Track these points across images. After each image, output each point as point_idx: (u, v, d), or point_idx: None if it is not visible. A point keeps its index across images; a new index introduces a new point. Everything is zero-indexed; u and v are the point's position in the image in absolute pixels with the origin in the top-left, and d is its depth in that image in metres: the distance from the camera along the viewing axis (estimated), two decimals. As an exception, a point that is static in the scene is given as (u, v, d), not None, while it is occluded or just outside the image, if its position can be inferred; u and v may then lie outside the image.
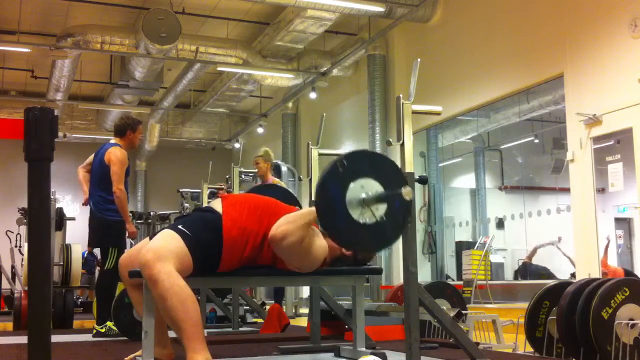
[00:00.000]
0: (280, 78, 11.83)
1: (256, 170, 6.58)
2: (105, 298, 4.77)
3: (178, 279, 2.48)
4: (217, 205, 2.85)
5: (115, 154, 4.81)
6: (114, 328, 4.65)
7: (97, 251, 7.86)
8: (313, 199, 2.64)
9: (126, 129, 5.00)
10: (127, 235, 5.00)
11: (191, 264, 2.60)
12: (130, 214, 9.85)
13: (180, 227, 2.66)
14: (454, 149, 11.87)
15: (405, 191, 2.51)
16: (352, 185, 2.50)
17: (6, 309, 10.12)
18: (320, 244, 2.77)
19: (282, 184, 6.72)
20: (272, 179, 6.54)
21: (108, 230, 4.84)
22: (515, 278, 10.48)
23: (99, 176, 4.86)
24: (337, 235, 2.57)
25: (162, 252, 2.52)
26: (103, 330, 4.74)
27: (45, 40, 10.83)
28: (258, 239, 2.75)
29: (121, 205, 4.80)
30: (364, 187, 2.52)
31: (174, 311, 2.45)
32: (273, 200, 2.94)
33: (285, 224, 2.64)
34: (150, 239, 2.73)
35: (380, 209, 2.52)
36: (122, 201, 4.80)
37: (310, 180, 3.70)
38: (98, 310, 4.88)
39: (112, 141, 5.01)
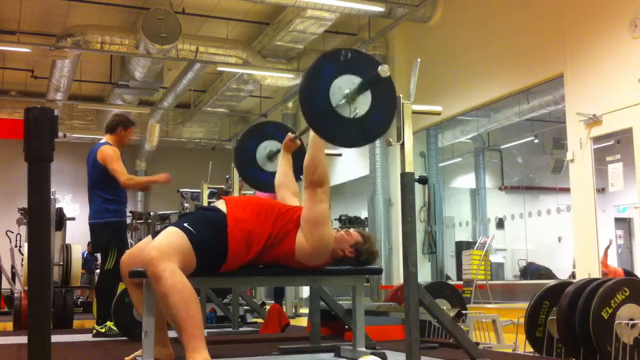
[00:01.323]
0: (280, 78, 11.83)
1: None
2: (105, 298, 4.76)
3: (181, 278, 2.49)
4: (221, 205, 2.86)
5: (107, 153, 4.76)
6: (114, 328, 4.65)
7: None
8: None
9: (117, 125, 4.97)
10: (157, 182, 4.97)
11: (194, 262, 2.60)
12: (130, 214, 9.89)
13: (185, 224, 2.66)
14: (454, 149, 11.88)
15: (382, 69, 2.53)
16: (336, 80, 2.57)
17: (6, 309, 10.11)
18: (330, 230, 2.83)
19: None
20: None
21: (108, 232, 4.83)
22: (524, 277, 10.47)
23: (96, 177, 4.83)
24: (328, 135, 2.63)
25: (166, 249, 2.52)
26: (103, 330, 4.74)
27: (45, 40, 10.82)
28: (262, 241, 2.76)
29: (140, 184, 4.92)
30: (346, 83, 2.58)
31: (176, 309, 2.45)
32: (276, 202, 2.96)
33: (313, 172, 2.79)
34: (153, 237, 2.73)
35: (364, 103, 2.60)
36: (136, 183, 4.89)
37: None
38: (98, 311, 4.87)
39: (102, 140, 4.99)
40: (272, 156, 3.81)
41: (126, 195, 4.98)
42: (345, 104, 2.56)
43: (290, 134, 3.47)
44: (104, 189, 4.79)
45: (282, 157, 3.46)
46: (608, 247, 6.92)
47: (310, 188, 2.80)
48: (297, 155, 3.44)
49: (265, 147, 3.84)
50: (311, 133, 2.76)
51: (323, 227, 2.78)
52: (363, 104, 2.59)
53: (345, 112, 2.56)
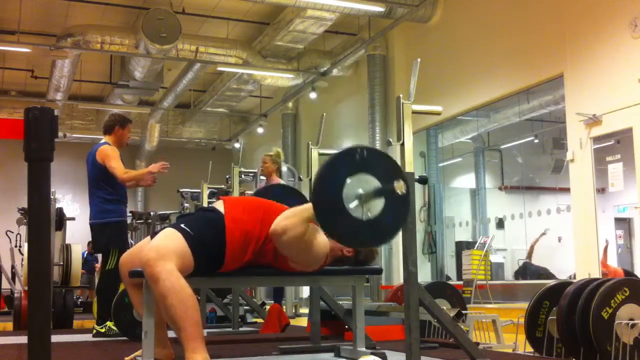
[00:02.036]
0: (280, 78, 11.83)
1: (256, 170, 6.55)
2: (106, 298, 4.76)
3: (179, 279, 2.49)
4: (219, 205, 2.86)
5: (106, 151, 4.77)
6: (114, 328, 4.65)
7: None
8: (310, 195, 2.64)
9: (114, 125, 4.98)
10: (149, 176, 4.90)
11: (192, 263, 2.60)
12: (130, 214, 9.89)
13: (182, 226, 2.66)
14: (454, 149, 11.88)
15: (398, 185, 2.50)
16: (348, 181, 2.50)
17: (6, 309, 10.11)
18: (322, 240, 2.77)
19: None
20: (277, 180, 6.47)
21: (108, 232, 4.83)
22: (516, 278, 10.49)
23: (95, 177, 4.83)
24: (334, 232, 2.56)
25: (164, 250, 2.52)
26: (103, 330, 4.74)
27: (45, 40, 10.82)
28: (260, 241, 2.75)
29: (135, 178, 4.79)
30: (361, 183, 2.51)
31: (174, 310, 2.45)
32: (273, 202, 2.95)
33: (285, 219, 2.66)
34: (152, 238, 2.73)
35: (378, 204, 2.52)
36: (131, 178, 4.78)
37: (310, 180, 3.70)
38: (98, 311, 4.87)
39: (102, 141, 5.00)
40: None
41: (126, 195, 4.97)
42: (359, 206, 2.49)
43: None
44: (103, 189, 4.79)
45: None
46: (606, 247, 6.93)
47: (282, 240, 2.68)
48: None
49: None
50: (307, 206, 2.68)
51: (314, 250, 2.77)
52: (376, 206, 2.52)
53: (357, 213, 2.49)
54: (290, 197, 3.44)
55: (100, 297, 4.89)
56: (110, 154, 4.75)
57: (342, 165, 2.53)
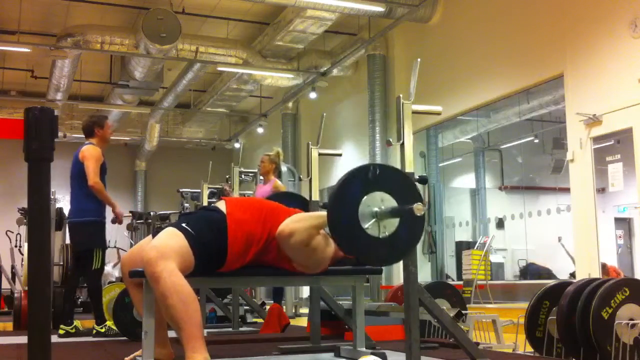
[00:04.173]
0: (280, 78, 11.83)
1: (256, 170, 6.55)
2: (99, 298, 4.80)
3: (180, 278, 2.49)
4: (221, 206, 2.85)
5: (89, 151, 4.83)
6: (114, 328, 4.65)
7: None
8: (325, 203, 2.64)
9: (93, 127, 5.01)
10: (116, 220, 5.02)
11: (193, 262, 2.60)
12: (130, 214, 9.87)
13: (184, 225, 2.66)
14: (454, 149, 11.87)
15: (417, 207, 2.50)
16: (365, 197, 2.50)
17: (6, 309, 10.11)
18: (328, 245, 2.78)
19: (283, 187, 6.65)
20: (274, 180, 6.48)
21: (90, 231, 4.83)
22: (523, 277, 10.46)
23: (76, 175, 4.87)
24: (347, 247, 2.57)
25: (165, 250, 2.52)
26: (103, 330, 4.75)
27: (45, 40, 10.82)
28: (262, 242, 2.75)
29: (102, 195, 4.81)
30: (378, 201, 2.52)
31: (175, 310, 2.45)
32: (276, 204, 2.95)
33: (294, 223, 2.68)
34: (153, 237, 2.73)
35: (392, 223, 2.53)
36: (101, 191, 4.79)
37: (310, 180, 3.70)
38: (95, 311, 4.87)
39: (87, 142, 5.01)
40: None
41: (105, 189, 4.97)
42: (375, 224, 2.50)
43: None
44: (84, 188, 4.81)
45: None
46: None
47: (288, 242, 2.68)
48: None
49: None
50: (321, 217, 2.67)
51: (319, 255, 2.78)
52: (391, 224, 2.53)
53: (374, 232, 2.49)
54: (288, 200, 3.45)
55: (93, 297, 4.89)
56: (92, 154, 4.81)
57: (359, 182, 2.53)
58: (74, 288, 5.19)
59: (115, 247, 10.84)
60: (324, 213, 2.64)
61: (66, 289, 5.16)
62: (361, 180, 2.54)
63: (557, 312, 3.64)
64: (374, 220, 2.50)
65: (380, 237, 2.51)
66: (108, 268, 9.96)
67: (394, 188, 2.56)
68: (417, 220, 2.55)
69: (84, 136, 5.13)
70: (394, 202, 2.53)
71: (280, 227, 2.68)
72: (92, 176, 4.74)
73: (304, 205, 3.53)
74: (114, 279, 9.45)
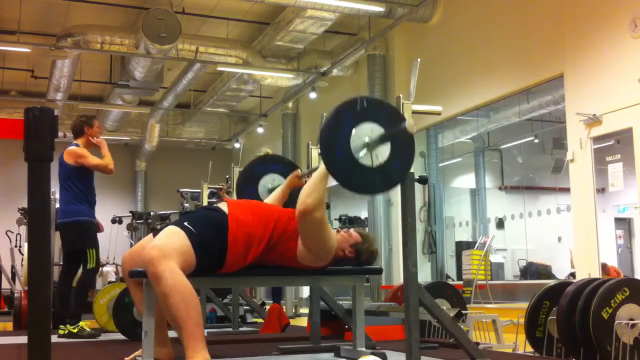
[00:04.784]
0: (280, 78, 11.83)
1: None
2: (84, 298, 4.80)
3: (181, 277, 2.49)
4: (223, 206, 2.85)
5: (76, 153, 4.83)
6: (87, 328, 4.66)
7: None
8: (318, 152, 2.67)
9: (82, 126, 5.00)
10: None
11: (194, 261, 2.60)
12: (130, 214, 9.85)
13: (185, 224, 2.66)
14: (454, 149, 11.88)
15: (409, 124, 2.54)
16: (353, 131, 2.54)
17: (6, 309, 10.11)
18: (333, 234, 2.80)
19: None
20: None
21: (81, 232, 4.83)
22: (524, 277, 10.47)
23: (64, 176, 4.86)
24: (344, 181, 2.58)
25: (166, 249, 2.52)
26: (75, 330, 4.70)
27: (45, 40, 10.82)
28: (262, 244, 2.75)
29: (111, 160, 4.86)
30: (367, 131, 2.57)
31: (176, 309, 2.45)
32: (276, 206, 2.96)
33: (307, 197, 2.64)
34: (154, 236, 2.73)
35: (384, 151, 2.58)
36: (109, 159, 4.85)
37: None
38: (74, 310, 4.81)
39: (72, 143, 5.02)
40: (272, 190, 3.66)
41: (94, 198, 4.99)
42: (367, 154, 2.54)
43: (298, 171, 3.42)
44: (71, 190, 4.82)
45: (279, 190, 3.41)
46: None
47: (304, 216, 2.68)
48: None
49: (273, 179, 3.71)
50: (320, 170, 2.70)
51: (326, 242, 2.79)
52: (383, 153, 2.57)
53: (367, 161, 2.54)
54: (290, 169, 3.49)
55: (79, 295, 4.86)
56: (82, 154, 4.82)
57: (346, 117, 2.58)
58: (68, 289, 5.15)
59: (114, 263, 10.90)
60: (321, 168, 2.67)
61: (59, 290, 5.07)
62: (349, 113, 2.58)
63: (557, 312, 3.64)
64: (365, 150, 2.54)
65: (374, 165, 2.55)
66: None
67: (381, 117, 2.60)
68: (407, 142, 2.60)
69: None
70: (381, 129, 2.58)
71: (298, 207, 2.64)
72: (105, 164, 4.80)
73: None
74: (113, 279, 9.46)
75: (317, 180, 2.68)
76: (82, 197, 4.82)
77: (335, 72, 11.66)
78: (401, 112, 2.69)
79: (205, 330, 3.99)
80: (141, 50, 10.17)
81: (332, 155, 2.54)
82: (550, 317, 3.83)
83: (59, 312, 4.87)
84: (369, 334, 3.41)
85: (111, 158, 4.91)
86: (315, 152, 3.73)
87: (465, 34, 9.24)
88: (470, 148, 12.11)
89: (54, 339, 4.51)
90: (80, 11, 10.97)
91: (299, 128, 13.98)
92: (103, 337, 4.77)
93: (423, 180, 2.85)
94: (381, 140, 2.56)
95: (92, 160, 4.80)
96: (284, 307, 7.77)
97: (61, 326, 4.75)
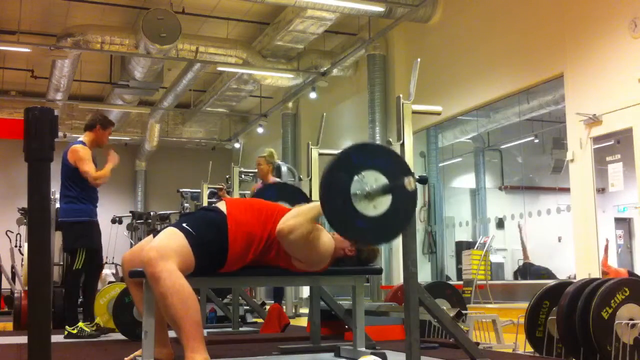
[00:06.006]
0: (280, 78, 11.83)
1: (256, 171, 6.56)
2: (76, 298, 4.79)
3: (180, 278, 2.49)
4: (221, 206, 2.86)
5: (77, 154, 4.81)
6: (86, 329, 4.66)
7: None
8: (318, 193, 2.64)
9: (96, 123, 5.00)
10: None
11: (193, 262, 2.60)
12: (130, 214, 9.85)
13: (184, 225, 2.66)
14: (454, 149, 11.87)
15: (408, 181, 2.51)
16: (356, 178, 2.51)
17: (6, 309, 10.11)
18: (327, 239, 2.78)
19: None
20: (273, 180, 6.48)
21: (76, 231, 4.83)
22: (515, 278, 10.49)
23: (65, 176, 4.86)
24: (342, 230, 2.56)
25: (165, 250, 2.52)
26: (75, 331, 4.70)
27: (45, 40, 10.82)
28: (262, 243, 2.75)
29: (105, 176, 4.80)
30: (368, 180, 2.52)
31: (175, 309, 2.45)
32: (276, 204, 2.95)
33: (292, 218, 2.67)
34: (154, 237, 2.73)
35: (386, 201, 2.53)
36: (103, 177, 4.79)
37: (311, 180, 3.70)
38: (66, 311, 4.83)
39: (79, 139, 5.00)
40: None
41: (97, 196, 4.97)
42: (367, 204, 2.50)
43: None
44: (72, 189, 4.81)
45: None
46: (607, 247, 6.92)
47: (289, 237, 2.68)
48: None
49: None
50: (315, 209, 2.68)
51: (320, 249, 2.78)
52: (383, 202, 2.52)
53: (367, 211, 2.49)
54: (288, 195, 3.45)
55: (69, 297, 4.86)
56: (82, 157, 4.78)
57: (349, 163, 2.53)
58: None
59: (113, 262, 10.88)
60: (317, 203, 2.63)
61: (66, 290, 5.10)
62: (350, 161, 2.54)
63: (557, 312, 3.64)
64: (366, 200, 2.50)
65: (374, 216, 2.51)
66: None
67: (384, 166, 2.56)
68: (409, 195, 2.55)
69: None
70: (385, 179, 2.54)
71: (279, 226, 2.68)
72: (90, 178, 4.75)
73: (305, 199, 3.53)
74: (113, 279, 9.46)
75: (306, 209, 2.71)
76: (83, 196, 4.82)
77: (335, 72, 11.66)
78: (407, 163, 2.64)
79: (205, 330, 4.00)
80: (141, 50, 10.17)
81: (332, 202, 2.48)
82: (550, 317, 3.82)
83: (67, 312, 4.87)
84: (369, 334, 3.41)
85: (107, 176, 4.84)
86: (315, 152, 3.74)
87: (465, 34, 9.24)
88: (470, 148, 12.11)
89: (54, 339, 4.51)
90: (80, 11, 10.97)
91: (299, 128, 13.98)
92: (103, 337, 4.77)
93: (423, 180, 2.86)
94: (382, 191, 2.52)
95: (85, 166, 4.75)
96: (284, 307, 7.76)
97: (67, 327, 4.77)
